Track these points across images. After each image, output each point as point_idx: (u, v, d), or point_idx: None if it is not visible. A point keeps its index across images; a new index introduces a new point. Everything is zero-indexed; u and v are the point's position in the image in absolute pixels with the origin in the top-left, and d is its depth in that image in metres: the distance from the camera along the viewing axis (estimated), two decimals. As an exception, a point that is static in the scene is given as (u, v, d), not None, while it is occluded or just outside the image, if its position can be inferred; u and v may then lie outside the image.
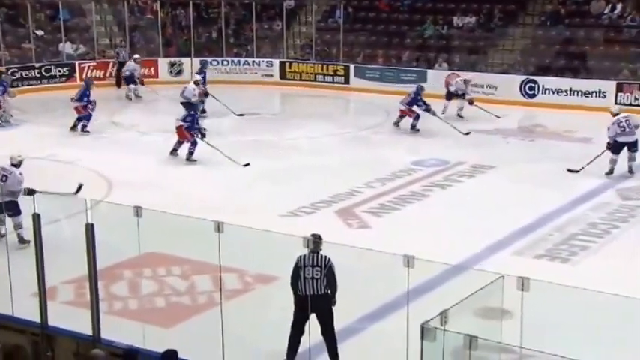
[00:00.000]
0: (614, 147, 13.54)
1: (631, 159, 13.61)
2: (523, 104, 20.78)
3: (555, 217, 11.78)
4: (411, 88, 18.73)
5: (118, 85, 22.71)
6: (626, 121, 13.57)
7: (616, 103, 19.85)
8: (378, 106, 20.81)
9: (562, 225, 11.48)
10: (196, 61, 24.52)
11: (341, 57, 24.30)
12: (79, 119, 17.23)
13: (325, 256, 7.26)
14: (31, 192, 9.54)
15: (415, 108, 17.61)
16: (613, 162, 13.55)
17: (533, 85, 21.09)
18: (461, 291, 5.40)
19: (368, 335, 8.01)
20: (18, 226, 10.03)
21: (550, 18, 22.81)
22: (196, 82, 18.19)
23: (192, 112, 15.49)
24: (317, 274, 7.24)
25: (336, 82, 23.81)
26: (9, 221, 10.13)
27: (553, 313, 7.52)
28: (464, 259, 9.73)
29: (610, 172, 13.63)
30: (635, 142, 13.62)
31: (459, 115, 19.02)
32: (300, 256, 7.28)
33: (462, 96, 19.36)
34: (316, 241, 7.27)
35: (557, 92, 20.79)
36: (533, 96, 21.05)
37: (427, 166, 14.73)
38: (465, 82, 19.52)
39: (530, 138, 17.37)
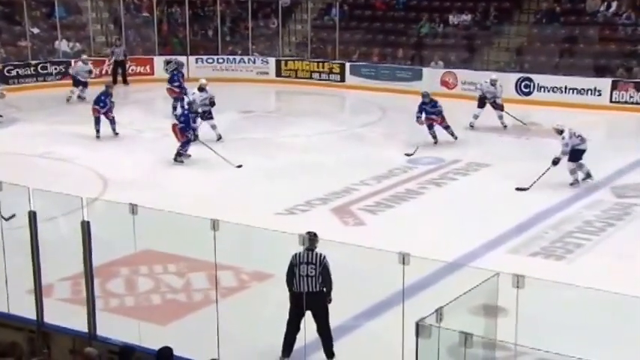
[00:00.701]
0: (574, 156, 13.03)
1: (582, 165, 13.23)
2: (518, 102, 20.79)
3: (550, 215, 11.81)
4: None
5: (115, 82, 22.64)
6: (575, 130, 13.16)
7: (611, 102, 19.96)
8: (373, 104, 20.84)
9: (557, 223, 11.51)
10: (192, 60, 24.58)
11: (337, 55, 24.31)
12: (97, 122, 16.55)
13: (320, 254, 7.28)
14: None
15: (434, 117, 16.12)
16: (574, 172, 13.07)
17: (528, 83, 21.13)
18: (456, 288, 5.42)
19: (363, 333, 8.03)
20: None
21: (545, 16, 22.86)
22: (201, 88, 16.52)
23: (186, 112, 15.31)
24: (312, 272, 7.25)
25: (332, 80, 23.83)
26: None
27: (548, 311, 7.55)
28: (459, 256, 9.76)
29: (575, 183, 13.11)
30: (586, 149, 13.22)
31: (504, 126, 17.58)
32: (296, 254, 7.29)
33: (493, 101, 17.67)
34: (312, 238, 7.29)
35: (553, 90, 20.83)
36: (528, 94, 21.09)
37: (423, 164, 14.75)
38: (493, 82, 17.69)
39: (526, 136, 17.40)
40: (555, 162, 13.06)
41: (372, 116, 19.56)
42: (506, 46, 22.91)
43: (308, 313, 7.30)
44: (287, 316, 7.41)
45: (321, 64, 24.16)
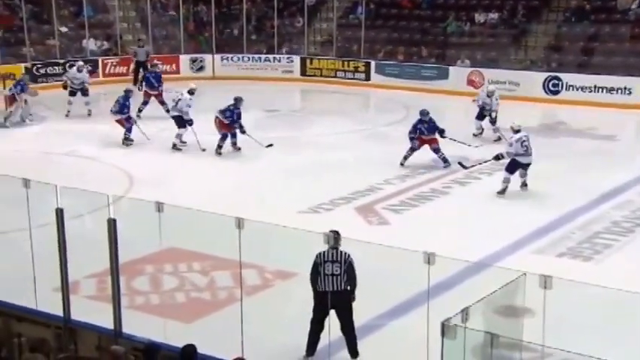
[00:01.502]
0: (511, 166, 12.54)
1: (523, 175, 12.70)
2: (546, 101, 20.63)
3: (578, 216, 11.68)
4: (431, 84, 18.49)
5: (135, 83, 22.58)
6: (528, 140, 12.56)
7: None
8: (398, 103, 20.77)
9: (585, 223, 11.38)
10: (218, 58, 24.68)
11: (362, 53, 24.27)
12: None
13: (345, 252, 7.27)
14: None
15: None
16: (507, 181, 12.52)
17: (556, 82, 20.92)
18: (481, 289, 5.37)
19: (388, 332, 7.99)
20: None
21: (575, 14, 22.62)
22: (191, 92, 16.11)
23: (231, 107, 15.20)
24: (337, 271, 7.23)
25: (357, 79, 23.80)
26: (33, 216, 10.16)
27: (575, 312, 7.47)
28: (484, 256, 9.69)
29: (503, 192, 12.52)
30: (531, 163, 12.66)
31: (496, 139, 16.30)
32: (320, 253, 7.28)
33: (489, 114, 16.67)
34: (336, 237, 7.28)
35: (582, 89, 20.61)
36: (556, 93, 20.89)
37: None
38: (489, 94, 16.70)
39: (553, 135, 17.24)
40: (497, 157, 12.93)
41: (396, 115, 19.48)
42: (534, 45, 22.72)
43: (332, 312, 7.29)
44: (311, 315, 7.40)
45: (346, 62, 24.13)
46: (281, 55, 24.94)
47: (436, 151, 14.45)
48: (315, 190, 12.73)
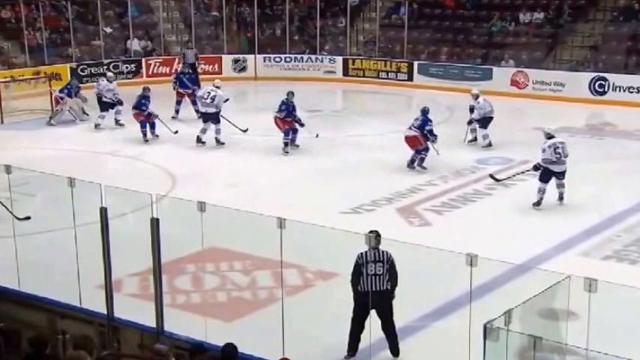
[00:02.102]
0: (544, 175, 11.99)
1: (560, 185, 12.09)
2: (592, 102, 20.29)
3: (624, 218, 11.46)
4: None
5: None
6: (562, 147, 12.00)
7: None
8: (440, 104, 20.58)
9: (631, 226, 11.16)
10: (260, 58, 24.78)
11: (404, 54, 24.15)
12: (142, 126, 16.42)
13: (386, 252, 7.25)
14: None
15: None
16: (542, 191, 11.97)
17: (603, 82, 20.56)
18: (524, 291, 5.30)
19: (429, 334, 7.94)
20: None
21: (623, 13, 22.18)
22: (219, 88, 16.38)
23: (284, 100, 15.37)
24: (380, 270, 7.23)
25: (399, 79, 23.68)
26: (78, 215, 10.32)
27: (621, 316, 7.33)
28: (528, 258, 9.55)
29: (538, 203, 11.93)
30: (565, 171, 12.09)
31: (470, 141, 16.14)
32: (362, 254, 7.26)
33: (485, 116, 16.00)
34: (377, 237, 7.25)
35: (629, 90, 20.21)
36: (603, 94, 20.53)
37: (491, 164, 14.51)
38: (475, 97, 16.16)
39: (599, 136, 16.95)
40: (536, 167, 12.13)
41: (439, 116, 19.26)
42: (580, 45, 22.35)
43: (372, 312, 7.26)
44: (351, 315, 7.38)
45: (388, 63, 24.04)
46: (323, 56, 24.94)
47: (418, 152, 14.13)
48: (356, 191, 12.70)
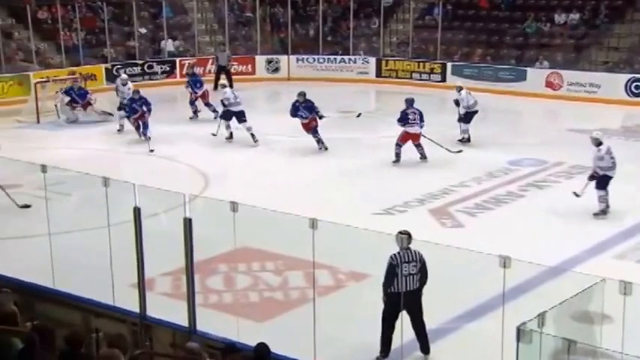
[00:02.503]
0: (603, 182, 11.42)
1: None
2: (628, 104, 19.99)
3: (660, 221, 11.28)
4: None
5: (215, 87, 22.29)
6: (612, 151, 11.56)
7: None
8: (474, 105, 20.44)
9: (668, 229, 10.98)
10: (293, 59, 24.84)
11: (438, 55, 24.03)
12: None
13: (417, 251, 7.28)
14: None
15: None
16: (604, 199, 11.40)
17: (639, 84, 20.25)
18: (558, 294, 5.25)
19: (461, 336, 7.89)
20: None
21: (660, 14, 21.88)
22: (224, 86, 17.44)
23: (296, 104, 15.48)
24: (413, 270, 7.26)
25: (432, 80, 23.57)
26: (113, 215, 10.45)
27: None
28: (562, 261, 9.43)
29: (603, 213, 11.39)
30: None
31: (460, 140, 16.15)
32: (395, 255, 7.25)
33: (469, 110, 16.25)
34: (409, 237, 7.24)
35: (667, 91, 19.92)
36: (639, 95, 20.22)
37: (524, 166, 14.39)
38: (459, 89, 16.58)
39: (635, 138, 16.70)
40: (593, 177, 11.56)
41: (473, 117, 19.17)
42: (616, 46, 22.05)
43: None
44: (381, 316, 7.37)
45: (422, 64, 23.94)
46: (356, 57, 24.92)
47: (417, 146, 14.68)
48: (388, 192, 12.67)
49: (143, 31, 24.98)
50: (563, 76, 21.29)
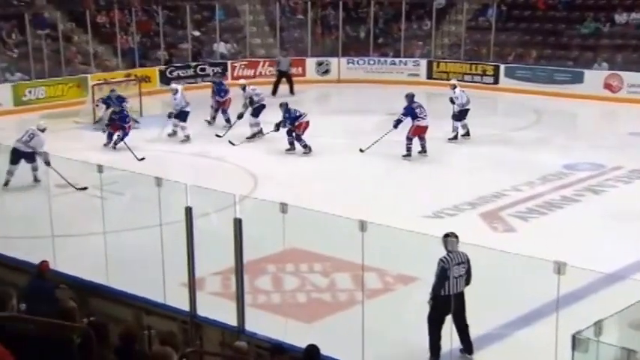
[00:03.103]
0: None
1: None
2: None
3: None
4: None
5: (274, 93, 22.00)
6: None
7: None
8: (527, 108, 20.17)
9: None
10: (344, 61, 24.81)
11: (491, 56, 23.74)
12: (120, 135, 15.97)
13: (464, 252, 7.26)
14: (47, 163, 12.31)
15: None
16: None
17: (703, 86, 19.71)
18: (615, 301, 5.10)
19: (513, 342, 7.75)
20: (34, 169, 13.19)
21: None
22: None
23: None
24: (462, 272, 7.25)
25: (485, 82, 23.28)
26: (165, 214, 10.55)
27: None
28: (619, 268, 9.20)
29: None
30: None
31: (463, 136, 16.54)
32: (446, 257, 7.21)
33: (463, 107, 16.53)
34: (457, 239, 7.26)
35: None
36: None
37: (580, 170, 14.10)
38: (454, 87, 16.77)
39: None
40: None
41: (526, 120, 18.93)
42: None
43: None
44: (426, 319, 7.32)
45: (474, 65, 23.68)
46: (407, 59, 24.76)
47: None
48: (439, 195, 12.53)
49: (196, 33, 25.25)
50: (624, 78, 20.79)
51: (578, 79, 21.51)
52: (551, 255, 5.88)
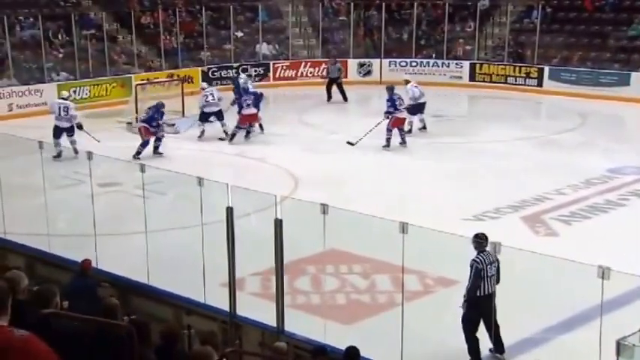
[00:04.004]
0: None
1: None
2: None
3: None
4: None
5: (328, 99, 21.84)
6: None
7: None
8: (572, 110, 19.89)
9: None
10: (385, 63, 24.74)
11: (535, 58, 23.44)
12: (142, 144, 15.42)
13: (492, 252, 7.20)
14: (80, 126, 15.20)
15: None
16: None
17: None
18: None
19: (555, 347, 7.64)
20: (72, 142, 15.17)
21: None
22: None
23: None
24: (494, 271, 7.25)
25: (528, 85, 23.01)
26: (206, 214, 10.63)
27: None
28: (665, 274, 9.02)
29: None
30: None
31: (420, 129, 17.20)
32: (480, 258, 7.23)
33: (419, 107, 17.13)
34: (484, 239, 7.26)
35: None
36: None
37: (625, 174, 13.86)
38: (407, 82, 17.78)
39: None
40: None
41: (570, 123, 18.66)
42: None
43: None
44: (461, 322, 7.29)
45: (517, 68, 23.41)
46: (450, 60, 24.58)
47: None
48: (480, 198, 12.42)
49: (239, 34, 25.40)
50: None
51: (624, 81, 21.12)
52: (594, 259, 5.80)
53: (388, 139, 15.69)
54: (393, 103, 15.74)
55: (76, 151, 14.61)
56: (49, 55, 21.40)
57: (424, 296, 8.87)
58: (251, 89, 17.71)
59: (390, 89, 16.09)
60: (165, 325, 6.28)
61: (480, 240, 7.21)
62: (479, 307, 7.22)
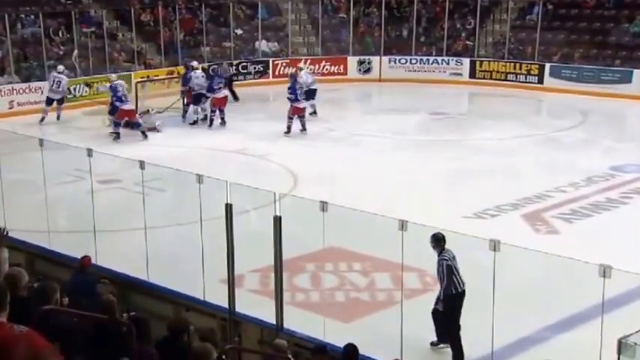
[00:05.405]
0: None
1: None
2: None
3: None
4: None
5: (235, 100, 21.47)
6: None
7: None
8: (573, 108, 19.86)
9: None
10: (385, 60, 24.71)
11: (536, 56, 23.39)
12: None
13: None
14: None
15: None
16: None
17: None
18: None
19: (555, 346, 7.60)
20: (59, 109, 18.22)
21: None
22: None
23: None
24: (458, 265, 7.33)
25: (529, 82, 22.96)
26: (205, 211, 10.60)
27: None
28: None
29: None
30: None
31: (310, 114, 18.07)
32: (447, 255, 7.28)
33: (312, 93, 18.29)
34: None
35: None
36: None
37: (627, 172, 13.82)
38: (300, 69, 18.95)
39: None
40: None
41: (571, 120, 18.63)
42: None
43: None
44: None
45: (517, 65, 23.37)
46: (450, 58, 24.54)
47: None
48: (480, 196, 12.38)
49: (239, 31, 25.36)
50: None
51: (626, 78, 21.08)
52: (595, 258, 5.77)
53: (289, 127, 16.65)
54: (294, 91, 16.65)
55: (58, 117, 17.56)
56: (49, 53, 21.35)
57: (423, 294, 8.83)
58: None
59: (293, 76, 17.34)
60: (172, 317, 6.28)
61: (438, 239, 7.26)
62: (457, 303, 7.28)
